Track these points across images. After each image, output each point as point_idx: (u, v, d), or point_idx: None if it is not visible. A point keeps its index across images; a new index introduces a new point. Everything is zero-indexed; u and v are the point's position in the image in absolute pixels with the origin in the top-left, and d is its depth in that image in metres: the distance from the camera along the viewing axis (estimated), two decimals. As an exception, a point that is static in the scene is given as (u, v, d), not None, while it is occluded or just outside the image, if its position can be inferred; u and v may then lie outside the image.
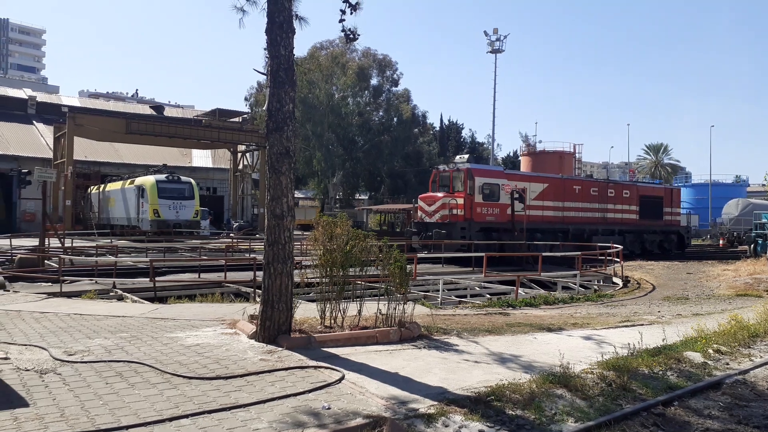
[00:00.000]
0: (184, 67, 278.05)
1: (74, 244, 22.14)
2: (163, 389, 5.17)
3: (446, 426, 4.66)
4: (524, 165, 56.00)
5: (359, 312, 8.03)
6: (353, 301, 8.22)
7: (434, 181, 26.28)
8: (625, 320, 10.19)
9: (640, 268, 22.91)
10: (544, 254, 18.94)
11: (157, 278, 15.70)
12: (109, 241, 27.10)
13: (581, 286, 18.36)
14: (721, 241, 41.60)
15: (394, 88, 53.86)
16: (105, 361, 6.03)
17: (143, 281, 14.99)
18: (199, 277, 16.63)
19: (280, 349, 6.68)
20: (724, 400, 5.85)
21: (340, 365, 6.12)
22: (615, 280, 19.35)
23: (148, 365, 5.88)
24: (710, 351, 7.45)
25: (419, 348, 7.21)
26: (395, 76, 53.39)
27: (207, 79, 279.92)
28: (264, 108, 7.04)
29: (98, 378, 5.45)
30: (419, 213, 26.49)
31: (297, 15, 7.67)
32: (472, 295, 17.36)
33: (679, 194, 35.07)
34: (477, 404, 5.09)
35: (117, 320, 8.71)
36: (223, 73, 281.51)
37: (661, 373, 6.46)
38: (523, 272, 18.63)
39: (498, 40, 49.88)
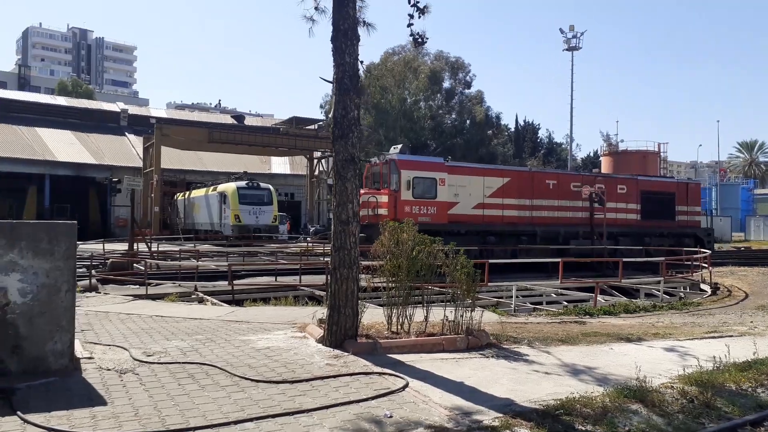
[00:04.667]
0: (263, 77, 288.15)
1: (160, 249, 23.34)
2: (231, 392, 5.31)
3: (511, 439, 4.51)
4: (605, 166, 53.87)
5: (426, 318, 7.95)
6: (421, 307, 8.15)
7: (367, 177, 22.60)
8: (712, 331, 9.55)
9: (731, 274, 21.46)
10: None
11: (235, 281, 16.30)
12: (193, 245, 28.34)
13: (666, 293, 17.43)
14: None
15: (466, 91, 53.56)
16: (179, 363, 6.27)
17: (222, 284, 15.58)
18: (275, 280, 17.08)
19: (346, 354, 6.71)
20: (824, 422, 5.34)
21: (404, 372, 6.07)
22: (703, 287, 18.22)
23: (218, 368, 6.06)
24: (809, 367, 6.83)
25: (487, 357, 7.05)
26: (468, 78, 53.08)
27: (285, 89, 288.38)
28: (330, 115, 7.11)
29: (172, 379, 5.68)
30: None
31: (364, 21, 7.74)
32: (548, 303, 16.84)
33: (698, 190, 29.87)
34: (545, 418, 4.90)
35: (194, 322, 9.06)
36: (300, 82, 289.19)
37: (750, 389, 5.99)
38: (603, 278, 17.89)
39: (574, 37, 48.39)
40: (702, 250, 19.73)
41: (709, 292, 16.95)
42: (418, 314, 7.99)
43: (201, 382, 5.62)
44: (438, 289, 10.70)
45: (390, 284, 8.02)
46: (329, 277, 7.11)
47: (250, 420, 4.60)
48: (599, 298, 15.28)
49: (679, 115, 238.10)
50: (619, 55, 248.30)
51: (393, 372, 6.04)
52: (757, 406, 5.55)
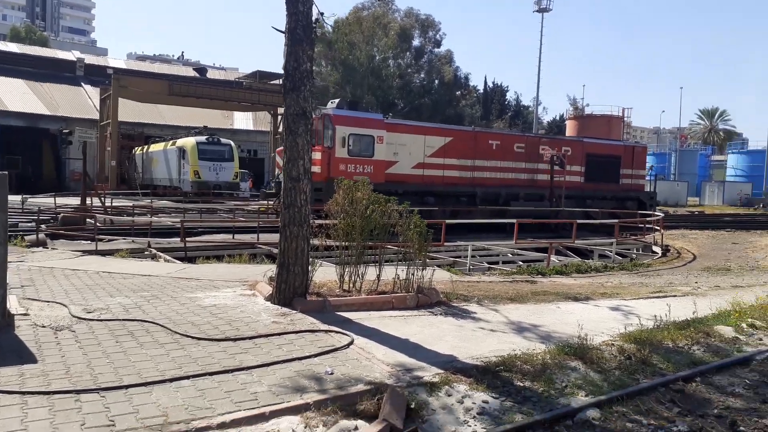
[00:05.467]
0: (229, 30, 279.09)
1: (116, 204, 22.75)
2: (171, 349, 5.21)
3: (449, 395, 4.54)
4: (570, 129, 54.29)
5: (378, 277, 7.93)
6: (373, 266, 8.12)
7: None
8: (657, 291, 9.82)
9: (683, 237, 22.14)
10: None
11: (191, 239, 16.03)
12: (150, 201, 27.73)
13: (619, 254, 17.86)
14: (774, 211, 39.87)
15: (436, 50, 52.87)
16: (120, 320, 6.12)
17: (177, 241, 15.29)
18: (233, 238, 16.86)
19: (294, 312, 6.66)
20: (752, 378, 5.55)
21: (351, 330, 6.05)
22: (655, 248, 18.73)
23: (160, 325, 5.94)
24: (744, 326, 7.08)
25: (435, 315, 7.09)
26: (438, 36, 52.36)
27: (251, 42, 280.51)
28: (283, 68, 6.86)
29: (110, 336, 5.54)
30: (276, 170, 22.95)
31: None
32: (504, 262, 17.09)
33: (644, 153, 29.54)
34: (485, 374, 4.95)
35: (143, 279, 8.86)
36: (266, 36, 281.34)
37: (686, 347, 6.17)
38: (557, 239, 18.19)
39: (545, -2, 48.00)
40: (656, 213, 20.16)
41: (660, 254, 17.42)
42: (371, 273, 7.96)
43: (140, 339, 5.49)
44: (394, 248, 10.69)
45: (343, 243, 7.95)
46: (279, 235, 6.97)
47: (187, 378, 4.52)
48: (554, 258, 15.56)
49: (645, 81, 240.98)
50: (589, 19, 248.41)
51: (339, 329, 6.01)
52: (690, 362, 5.72)
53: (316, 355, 5.19)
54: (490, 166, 23.19)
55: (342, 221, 7.96)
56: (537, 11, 49.41)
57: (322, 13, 8.03)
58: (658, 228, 19.05)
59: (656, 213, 23.34)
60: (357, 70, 48.38)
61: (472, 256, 16.72)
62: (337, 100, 22.05)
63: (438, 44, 52.77)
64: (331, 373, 4.76)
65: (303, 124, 6.66)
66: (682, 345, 6.19)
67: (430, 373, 4.91)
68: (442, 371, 4.94)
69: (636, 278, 11.98)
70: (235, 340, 5.57)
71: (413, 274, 7.69)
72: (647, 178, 30.52)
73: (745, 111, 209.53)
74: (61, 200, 24.28)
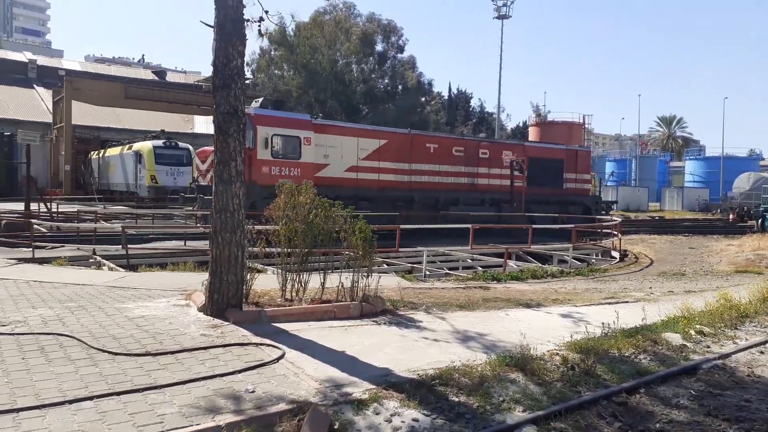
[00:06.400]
0: (191, 33, 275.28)
1: (66, 210, 21.86)
2: (81, 366, 4.78)
3: (377, 413, 4.23)
4: (532, 135, 55.01)
5: (322, 285, 7.59)
6: (319, 273, 7.78)
7: None
8: (610, 297, 9.71)
9: (641, 242, 22.38)
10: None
11: (141, 245, 15.45)
12: (103, 207, 26.82)
13: (580, 259, 17.86)
14: (731, 216, 40.74)
15: (399, 55, 52.87)
16: (34, 334, 5.66)
17: (135, 247, 14.70)
18: (185, 244, 16.30)
19: (226, 323, 6.27)
20: (697, 388, 5.39)
21: (286, 342, 5.70)
22: (614, 254, 18.82)
23: (77, 339, 5.49)
24: (692, 332, 6.96)
25: (378, 324, 6.78)
26: (401, 42, 52.37)
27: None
28: (212, 64, 6.49)
29: (17, 352, 5.08)
30: (195, 173, 21.79)
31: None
32: (464, 268, 16.90)
33: (587, 157, 28.71)
34: (419, 389, 4.66)
35: (75, 288, 8.34)
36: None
37: (633, 356, 5.99)
38: (519, 245, 18.12)
39: (504, 5, 48.40)
40: (613, 218, 20.32)
41: (618, 259, 17.49)
42: (317, 281, 7.62)
43: (50, 355, 5.05)
44: (342, 254, 10.38)
45: (285, 249, 7.60)
46: (210, 242, 6.58)
47: (90, 398, 4.11)
48: (513, 263, 15.46)
49: (606, 88, 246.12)
50: (551, 27, 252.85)
51: (272, 342, 5.65)
52: (635, 372, 5.53)
53: (240, 371, 4.82)
54: (428, 169, 22.44)
55: (284, 227, 7.62)
56: (497, 18, 49.80)
57: (266, 11, 7.73)
58: (617, 233, 19.15)
59: (610, 218, 23.54)
60: (320, 74, 47.98)
61: (433, 262, 16.54)
62: (260, 99, 20.98)
63: (401, 50, 52.81)
64: (252, 391, 4.41)
65: (234, 123, 6.31)
66: (628, 354, 6.01)
67: (360, 389, 4.60)
68: (374, 386, 4.64)
69: (591, 284, 11.90)
70: (155, 355, 5.17)
71: (357, 282, 7.38)
72: (607, 183, 30.54)
73: (701, 119, 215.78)
74: (11, 206, 23.23)
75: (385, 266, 14.47)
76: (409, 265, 14.96)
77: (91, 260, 13.41)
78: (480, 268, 16.68)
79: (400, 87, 52.18)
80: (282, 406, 4.16)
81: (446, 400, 4.52)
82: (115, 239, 16.40)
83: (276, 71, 51.27)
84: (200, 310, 6.73)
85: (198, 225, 19.44)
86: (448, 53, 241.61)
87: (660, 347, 6.36)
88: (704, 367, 5.91)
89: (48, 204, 19.62)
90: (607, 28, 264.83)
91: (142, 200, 31.24)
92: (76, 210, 21.86)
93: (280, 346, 5.54)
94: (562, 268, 14.62)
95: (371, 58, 50.96)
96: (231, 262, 6.41)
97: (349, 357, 5.42)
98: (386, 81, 53.03)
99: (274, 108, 20.25)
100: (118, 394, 4.22)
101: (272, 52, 51.06)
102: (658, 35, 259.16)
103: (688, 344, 6.57)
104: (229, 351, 5.39)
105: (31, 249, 13.88)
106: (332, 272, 7.71)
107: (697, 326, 7.17)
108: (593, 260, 18.43)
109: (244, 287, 7.08)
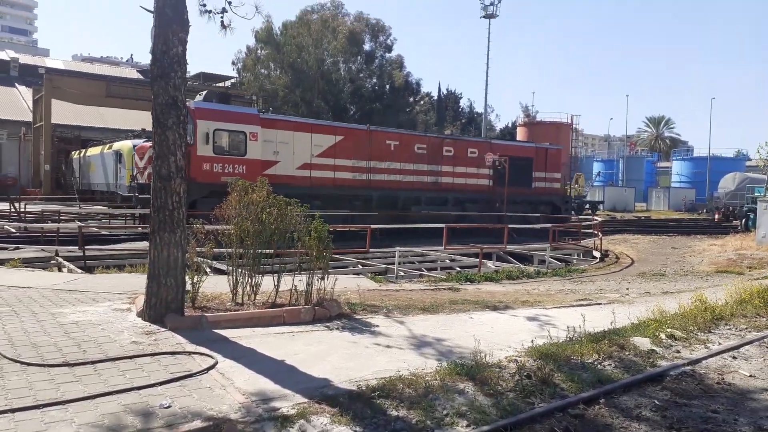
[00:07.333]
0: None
1: (36, 209, 21.33)
2: (-16, 379, 4.35)
3: (303, 431, 3.83)
4: (520, 136, 54.75)
5: (276, 288, 7.18)
6: (272, 275, 7.37)
7: None
8: (583, 298, 9.36)
9: (624, 242, 22.11)
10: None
11: (110, 246, 15.03)
12: (79, 206, 26.26)
13: (560, 260, 17.54)
14: (716, 216, 40.68)
15: (387, 54, 52.46)
16: (-53, 342, 5.21)
17: (97, 248, 14.28)
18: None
19: (163, 330, 5.84)
20: (662, 397, 5.01)
21: (222, 351, 5.29)
22: (595, 253, 18.51)
23: (-9, 348, 5.05)
24: (662, 336, 6.60)
25: (330, 329, 6.38)
26: (389, 41, 51.95)
27: (199, 45, 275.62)
28: (150, 51, 6.06)
29: None
30: (134, 170, 21.05)
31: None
32: (442, 268, 16.54)
33: (557, 156, 27.56)
34: (355, 402, 4.26)
35: (17, 292, 7.88)
36: (214, 38, 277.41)
37: (596, 363, 5.62)
38: (495, 245, 17.77)
39: (491, 4, 48.08)
40: (594, 218, 20.02)
41: (598, 259, 17.18)
42: (271, 284, 7.21)
43: (-45, 366, 4.61)
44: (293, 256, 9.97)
45: (235, 251, 7.19)
46: (148, 243, 6.15)
47: (-21, 417, 3.68)
48: (491, 264, 15.10)
49: (595, 89, 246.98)
50: (539, 26, 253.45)
51: (206, 351, 5.24)
52: (597, 381, 5.14)
53: (161, 383, 4.41)
54: (387, 167, 21.62)
55: (236, 226, 7.21)
56: (484, 17, 49.45)
57: (229, 2, 7.33)
58: (597, 233, 18.85)
59: (592, 218, 23.27)
60: (307, 73, 47.51)
61: (411, 263, 16.17)
62: (204, 92, 20.27)
63: (389, 49, 52.39)
64: (168, 407, 3.99)
65: (174, 115, 5.88)
66: (591, 360, 5.64)
67: (290, 403, 4.19)
68: (306, 400, 4.24)
69: (567, 285, 11.55)
70: (72, 365, 4.74)
71: (311, 285, 6.98)
72: (594, 184, 30.18)
73: (689, 119, 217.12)
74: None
75: (360, 267, 14.09)
76: (384, 266, 14.59)
77: (52, 261, 12.97)
78: (458, 268, 16.34)
79: (387, 87, 51.79)
80: (196, 424, 3.75)
81: (383, 415, 4.12)
82: (85, 240, 15.91)
83: (262, 70, 50.70)
84: (139, 315, 6.30)
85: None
86: (437, 53, 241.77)
87: (627, 353, 5.99)
88: (672, 374, 5.54)
89: (17, 204, 19.07)
90: (596, 28, 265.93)
91: (126, 200, 30.60)
92: (40, 210, 21.30)
93: (213, 354, 5.13)
94: (539, 268, 14.26)
95: (359, 57, 50.53)
96: (170, 264, 5.99)
97: (287, 366, 5.02)
98: (374, 80, 52.60)
99: (219, 101, 19.43)
100: (14, 411, 3.80)
101: (258, 51, 50.51)
102: (646, 36, 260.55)
103: (657, 349, 6.21)
104: (158, 360, 4.97)
105: (-7, 250, 13.43)
106: (291, 274, 7.31)
107: (669, 330, 6.81)
108: (574, 260, 18.13)
109: (191, 290, 6.68)
